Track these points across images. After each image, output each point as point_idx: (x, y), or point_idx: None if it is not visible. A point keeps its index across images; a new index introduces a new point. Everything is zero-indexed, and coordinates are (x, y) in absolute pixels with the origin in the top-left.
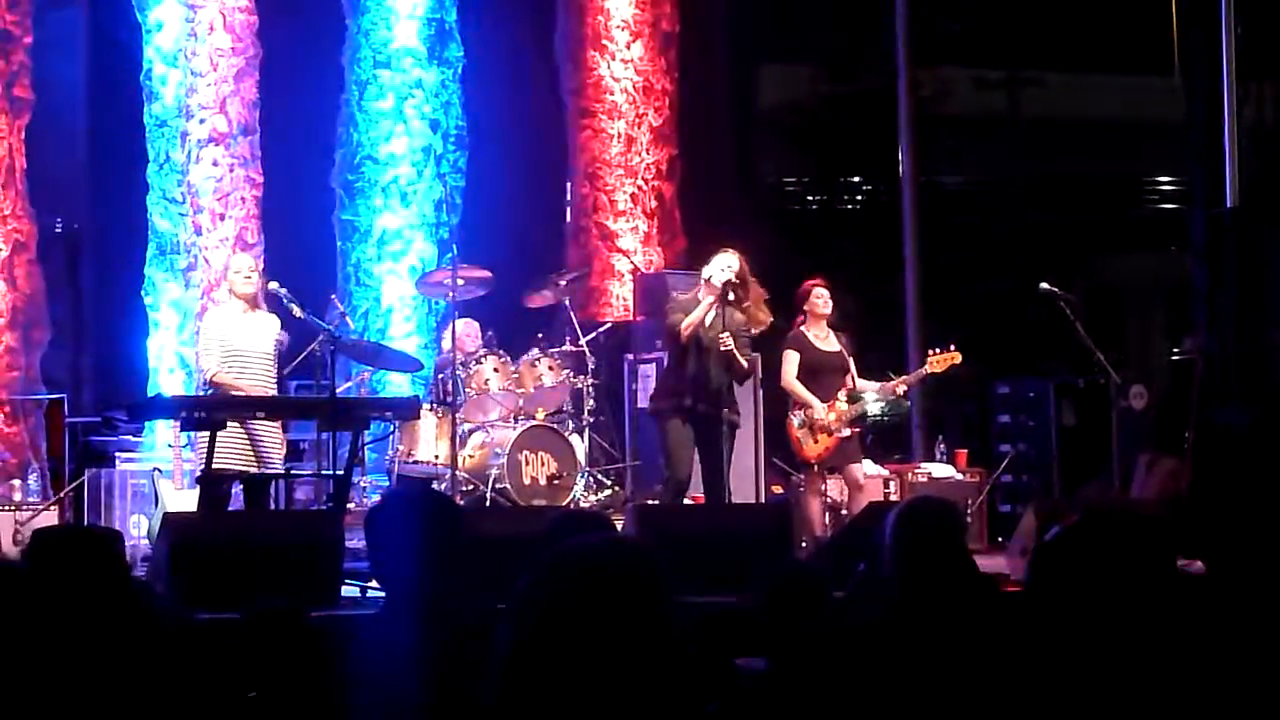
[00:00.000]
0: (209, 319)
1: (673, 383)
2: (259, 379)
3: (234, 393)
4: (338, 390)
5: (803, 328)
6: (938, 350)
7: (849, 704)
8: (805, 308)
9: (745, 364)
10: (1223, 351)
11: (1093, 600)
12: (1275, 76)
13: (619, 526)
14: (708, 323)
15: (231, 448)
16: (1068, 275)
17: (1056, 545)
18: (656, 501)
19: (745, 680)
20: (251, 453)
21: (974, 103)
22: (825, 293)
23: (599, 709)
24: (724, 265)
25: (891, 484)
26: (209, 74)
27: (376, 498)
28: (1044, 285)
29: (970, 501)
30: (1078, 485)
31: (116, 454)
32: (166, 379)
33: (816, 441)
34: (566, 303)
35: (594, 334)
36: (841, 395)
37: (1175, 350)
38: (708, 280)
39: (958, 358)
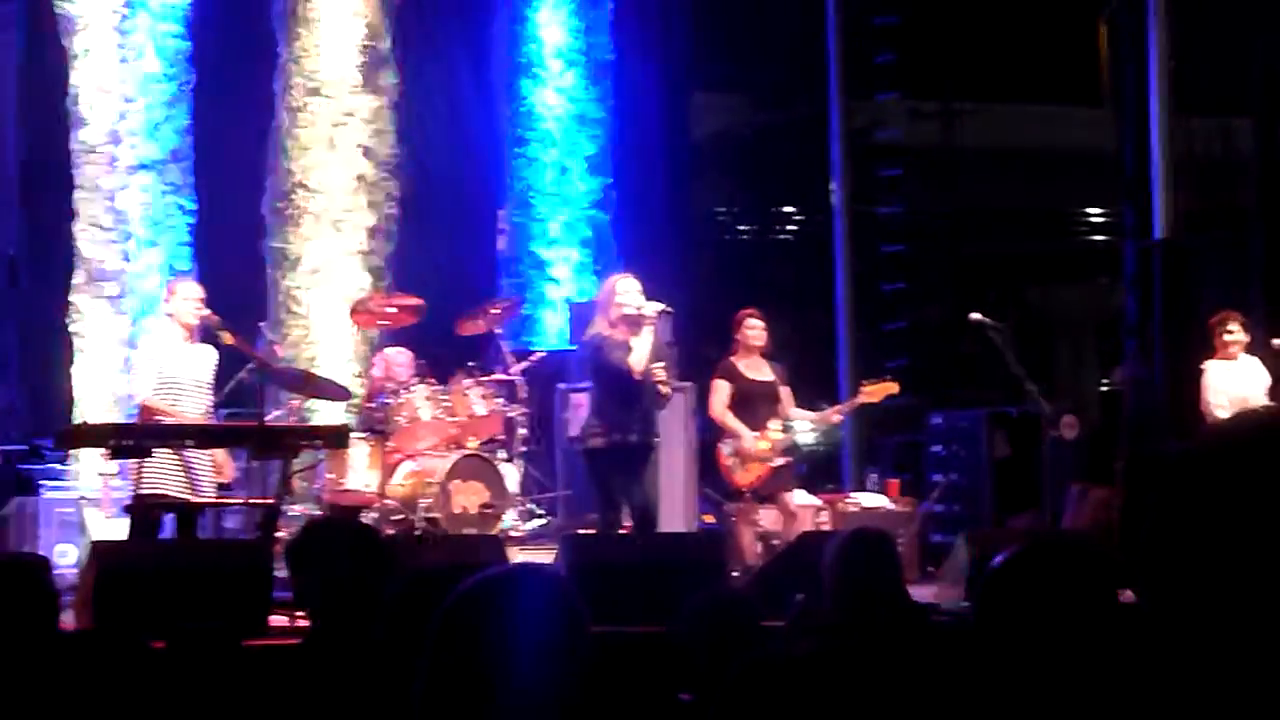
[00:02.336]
0: (146, 345)
1: (610, 419)
2: (192, 407)
3: (163, 419)
4: (267, 418)
5: (733, 358)
6: (873, 380)
7: None
8: (737, 337)
9: (669, 390)
10: (1152, 382)
11: (1038, 628)
12: (1205, 109)
13: (552, 558)
14: None
15: (163, 474)
16: (1000, 305)
17: (1003, 573)
18: (590, 531)
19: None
20: (184, 479)
21: (907, 133)
22: (758, 324)
23: None
24: (633, 290)
25: (824, 513)
26: (140, 100)
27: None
28: (975, 316)
29: (902, 531)
30: (1010, 515)
31: (42, 482)
32: (95, 406)
33: (748, 470)
34: (499, 331)
35: (527, 363)
36: (774, 424)
37: (1105, 380)
38: (638, 310)
39: (894, 387)
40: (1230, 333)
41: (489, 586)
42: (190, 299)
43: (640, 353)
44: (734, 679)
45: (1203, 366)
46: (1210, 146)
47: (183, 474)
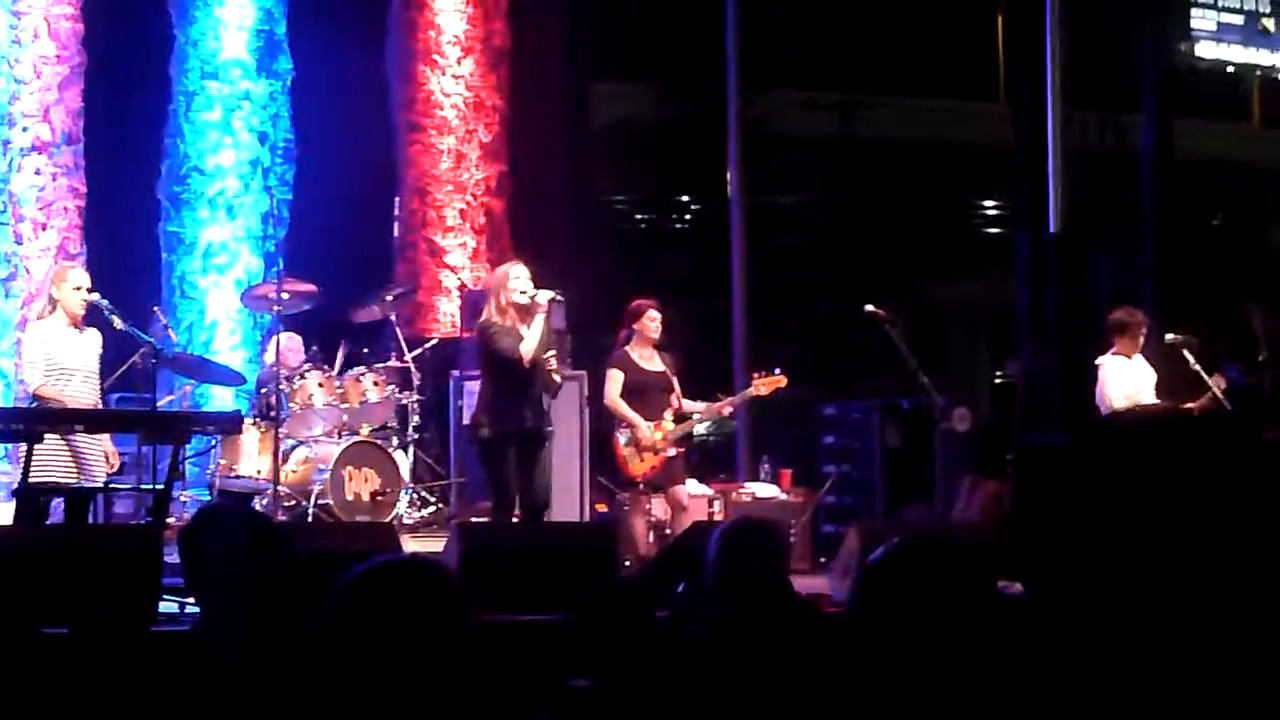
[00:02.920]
0: (32, 332)
1: (501, 408)
2: (84, 394)
3: (55, 406)
4: (159, 403)
5: (627, 347)
6: (763, 373)
7: None
8: (635, 327)
9: (560, 379)
10: (1044, 374)
11: (915, 623)
12: (1099, 103)
13: (443, 545)
14: None
15: (52, 460)
16: (894, 297)
17: (880, 568)
18: (482, 519)
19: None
20: (73, 465)
21: (805, 125)
22: (657, 314)
23: None
24: (524, 278)
25: (716, 503)
26: (32, 81)
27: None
28: (869, 308)
29: (794, 522)
30: (901, 506)
31: None
32: None
33: (642, 460)
34: (393, 318)
35: (420, 350)
36: (667, 415)
37: (998, 372)
38: (531, 298)
39: (783, 381)
40: (1140, 331)
41: (371, 578)
42: (81, 286)
43: (531, 341)
44: (620, 667)
45: (1098, 362)
46: (1104, 140)
47: (72, 460)
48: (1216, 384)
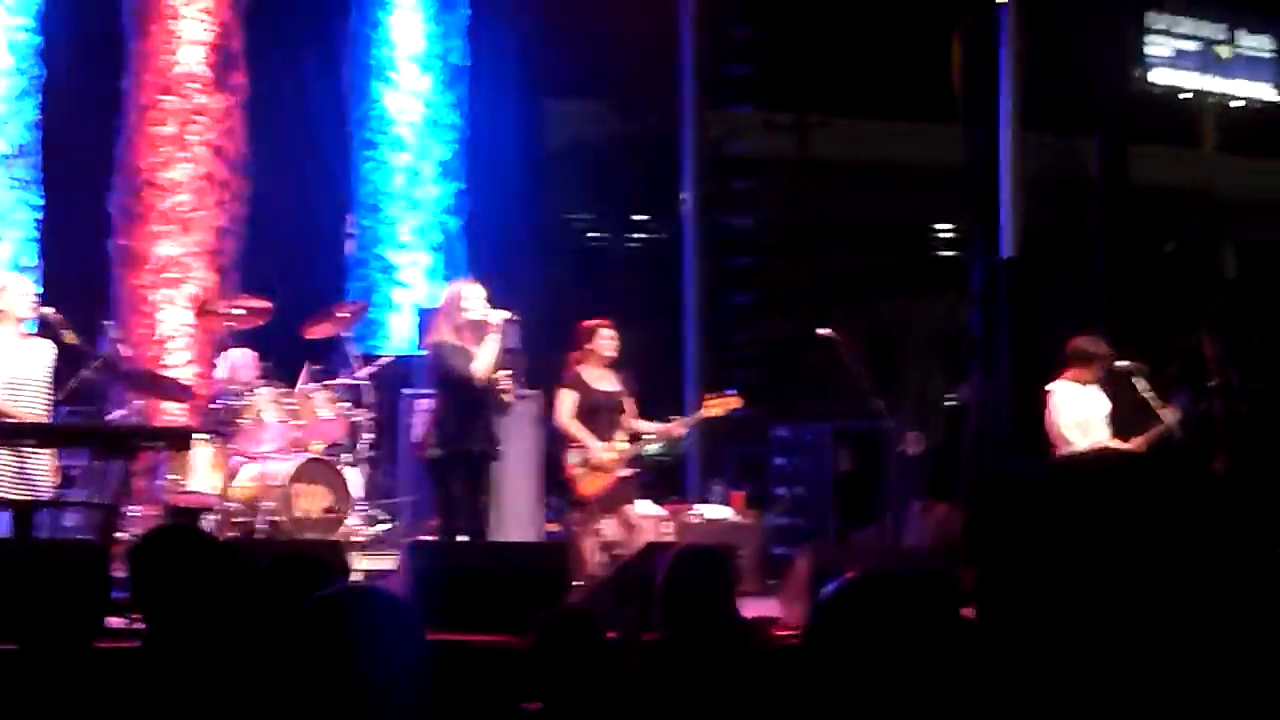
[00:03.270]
0: None
1: (451, 428)
2: (33, 406)
3: (4, 419)
4: (109, 418)
5: (579, 367)
6: (717, 393)
7: None
8: (589, 347)
9: (513, 399)
10: (996, 400)
11: (869, 658)
12: (1054, 127)
13: (394, 564)
14: None
15: None
16: (847, 319)
17: (833, 603)
18: (432, 538)
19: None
20: (20, 479)
21: (761, 145)
22: (612, 334)
23: None
24: (480, 298)
25: (667, 524)
26: None
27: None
28: (823, 330)
29: (745, 544)
30: (852, 530)
31: None
32: None
33: (594, 480)
34: (346, 335)
35: (373, 367)
36: (620, 435)
37: (951, 395)
38: (484, 318)
39: (736, 402)
40: (1103, 363)
41: (328, 605)
42: (25, 293)
43: (483, 361)
44: (568, 689)
45: (1050, 388)
46: (1058, 165)
47: (19, 473)
48: (1170, 415)
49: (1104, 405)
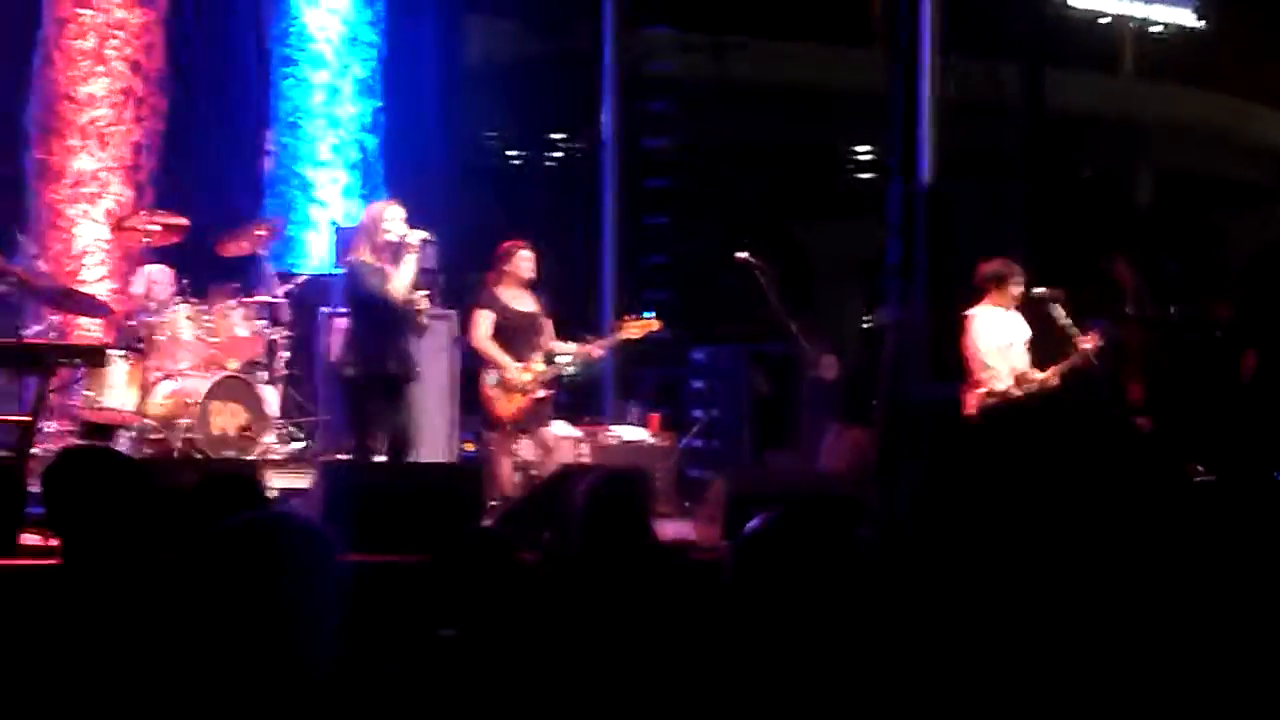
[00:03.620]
0: None
1: (367, 348)
2: None
3: None
4: (26, 334)
5: (496, 287)
6: (634, 315)
7: (525, 673)
8: (506, 268)
9: (427, 320)
10: (913, 325)
11: (792, 590)
12: (975, 51)
13: (308, 482)
14: None
15: None
16: (766, 242)
17: (756, 539)
18: (347, 457)
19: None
20: None
21: (678, 66)
22: (530, 255)
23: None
24: (398, 219)
25: (583, 445)
26: None
27: (62, 443)
28: (741, 254)
29: (661, 465)
30: (768, 453)
31: None
32: None
33: (510, 401)
34: (263, 253)
35: (290, 285)
36: (537, 356)
37: (867, 318)
38: (402, 239)
39: (655, 325)
40: (1017, 284)
41: (247, 528)
42: None
43: (400, 281)
44: (490, 612)
45: (969, 313)
46: (977, 91)
47: None
48: (1088, 342)
49: (1024, 331)
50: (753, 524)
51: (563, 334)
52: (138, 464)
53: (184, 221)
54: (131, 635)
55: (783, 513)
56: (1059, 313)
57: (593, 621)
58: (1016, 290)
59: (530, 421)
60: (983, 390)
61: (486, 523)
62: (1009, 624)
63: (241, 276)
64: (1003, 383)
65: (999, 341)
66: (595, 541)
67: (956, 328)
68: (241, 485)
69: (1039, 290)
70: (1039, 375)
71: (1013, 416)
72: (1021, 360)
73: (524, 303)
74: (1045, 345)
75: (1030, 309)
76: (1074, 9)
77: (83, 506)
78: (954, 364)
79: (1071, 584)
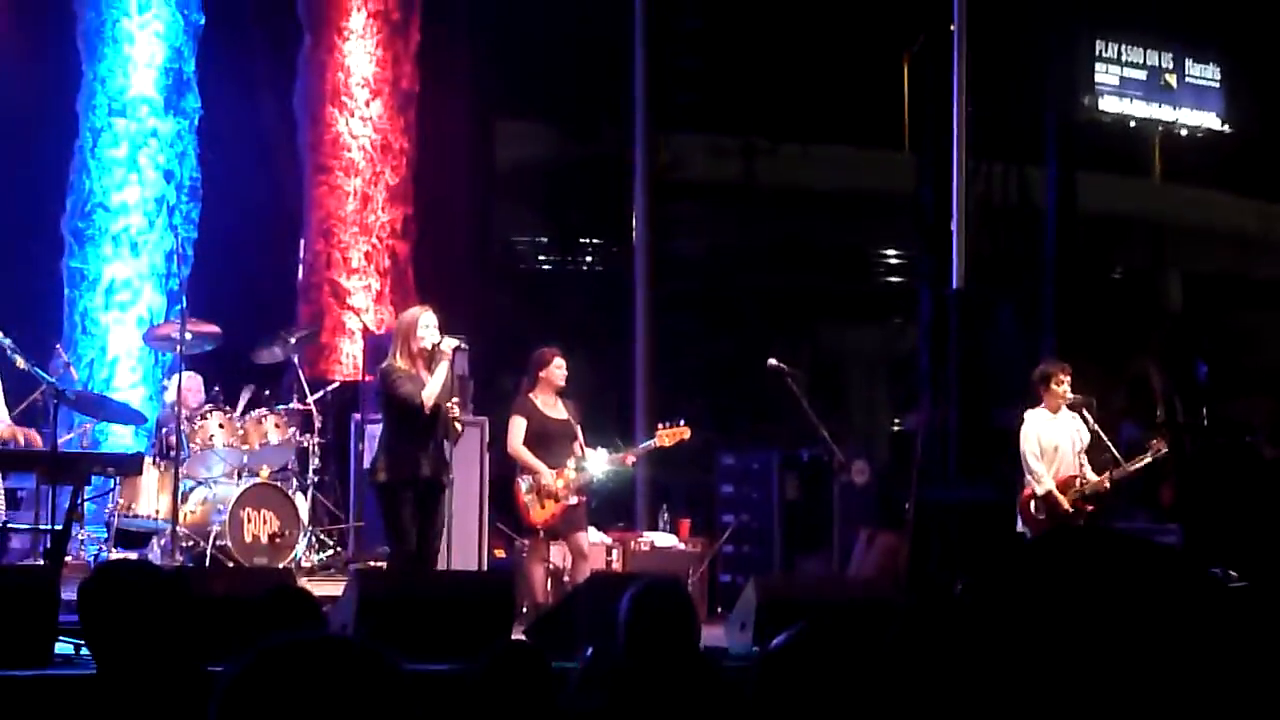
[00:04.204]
0: None
1: (400, 453)
2: None
3: None
4: (59, 441)
5: (530, 394)
6: (667, 424)
7: None
8: (541, 375)
9: (461, 426)
10: (944, 429)
11: (817, 703)
12: (1003, 156)
13: (341, 589)
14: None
15: None
16: (795, 345)
17: (784, 653)
18: (380, 564)
19: None
20: None
21: (709, 170)
22: (563, 362)
23: None
24: (432, 325)
25: (614, 552)
26: None
27: (94, 550)
28: (772, 361)
29: (692, 571)
30: (799, 558)
31: None
32: None
33: (544, 508)
34: (295, 360)
35: (322, 392)
36: (570, 463)
37: (897, 421)
38: (435, 346)
39: (686, 433)
40: (1062, 384)
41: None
42: None
43: (433, 388)
44: None
45: (1023, 416)
46: (1007, 194)
47: None
48: (1155, 448)
49: (1074, 434)
50: (778, 639)
51: (595, 439)
52: (174, 575)
53: (216, 329)
54: None
55: (808, 626)
56: (1089, 418)
57: None
58: (1062, 390)
59: (563, 528)
60: (1026, 493)
61: (518, 630)
62: None
63: (273, 384)
64: (1043, 487)
65: (1044, 444)
66: (642, 649)
67: (995, 432)
68: (298, 600)
69: (1071, 397)
70: (1092, 479)
71: (1056, 542)
72: (1069, 464)
73: (557, 409)
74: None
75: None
76: (1104, 113)
77: (121, 621)
78: (993, 467)
79: (1112, 705)
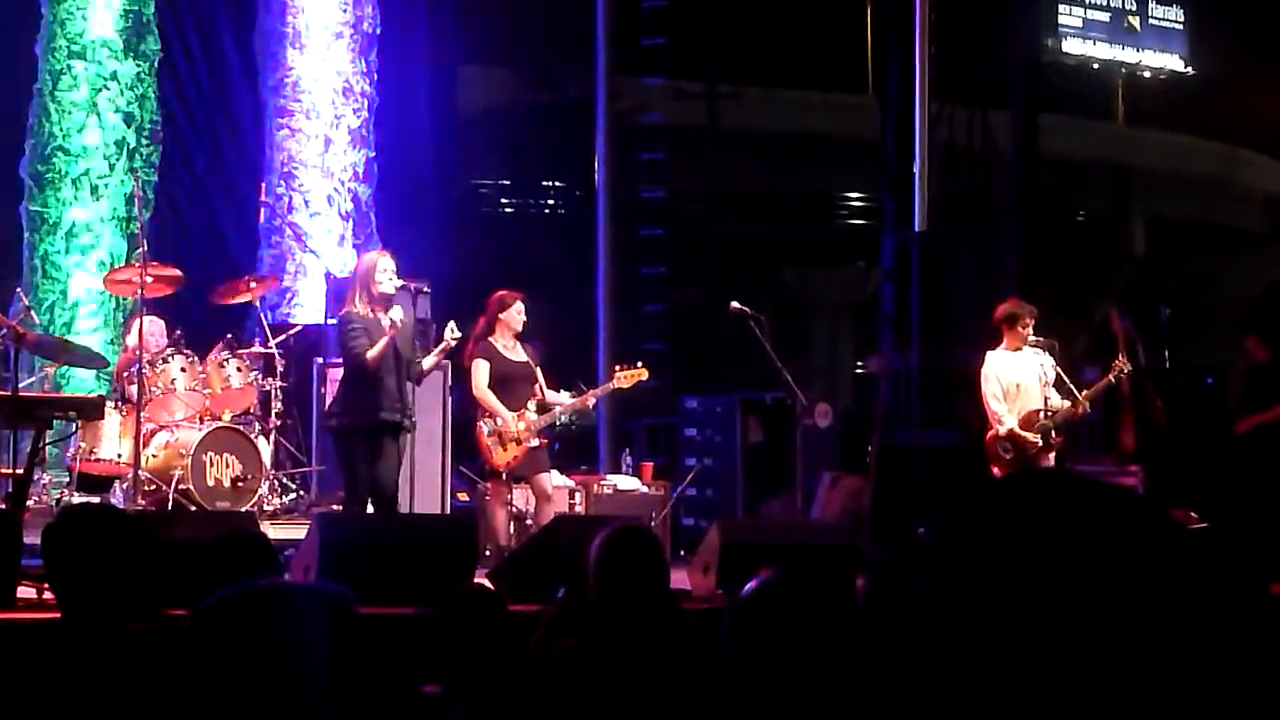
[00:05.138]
0: None
1: (355, 400)
2: None
3: None
4: (20, 385)
5: (491, 338)
6: (625, 365)
7: None
8: (501, 317)
9: (424, 366)
10: (906, 373)
11: (789, 651)
12: (967, 99)
13: (304, 533)
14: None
15: None
16: (758, 289)
17: (753, 602)
18: (340, 508)
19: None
20: None
21: (672, 114)
22: (522, 306)
23: None
24: (390, 269)
25: (577, 495)
26: None
27: (56, 495)
28: (734, 304)
29: (655, 514)
30: (762, 501)
31: None
32: None
33: (505, 450)
34: (257, 304)
35: (284, 336)
36: (531, 405)
37: (860, 363)
38: (393, 290)
39: (644, 374)
40: (1028, 325)
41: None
42: None
43: (380, 348)
44: (493, 677)
45: (983, 356)
46: (970, 138)
47: None
48: (1118, 366)
49: (1037, 369)
50: (747, 587)
51: (557, 383)
52: (137, 519)
53: (177, 273)
54: (132, 691)
55: (777, 575)
56: (1052, 361)
57: (609, 674)
58: (1027, 331)
59: (526, 470)
60: (989, 434)
61: (481, 574)
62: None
63: (236, 328)
64: (1005, 426)
65: (1006, 384)
66: (612, 595)
67: (957, 376)
68: (253, 544)
69: (1033, 339)
70: (1064, 404)
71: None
72: (1035, 400)
73: (517, 352)
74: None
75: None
76: (1067, 55)
77: (84, 564)
78: (955, 412)
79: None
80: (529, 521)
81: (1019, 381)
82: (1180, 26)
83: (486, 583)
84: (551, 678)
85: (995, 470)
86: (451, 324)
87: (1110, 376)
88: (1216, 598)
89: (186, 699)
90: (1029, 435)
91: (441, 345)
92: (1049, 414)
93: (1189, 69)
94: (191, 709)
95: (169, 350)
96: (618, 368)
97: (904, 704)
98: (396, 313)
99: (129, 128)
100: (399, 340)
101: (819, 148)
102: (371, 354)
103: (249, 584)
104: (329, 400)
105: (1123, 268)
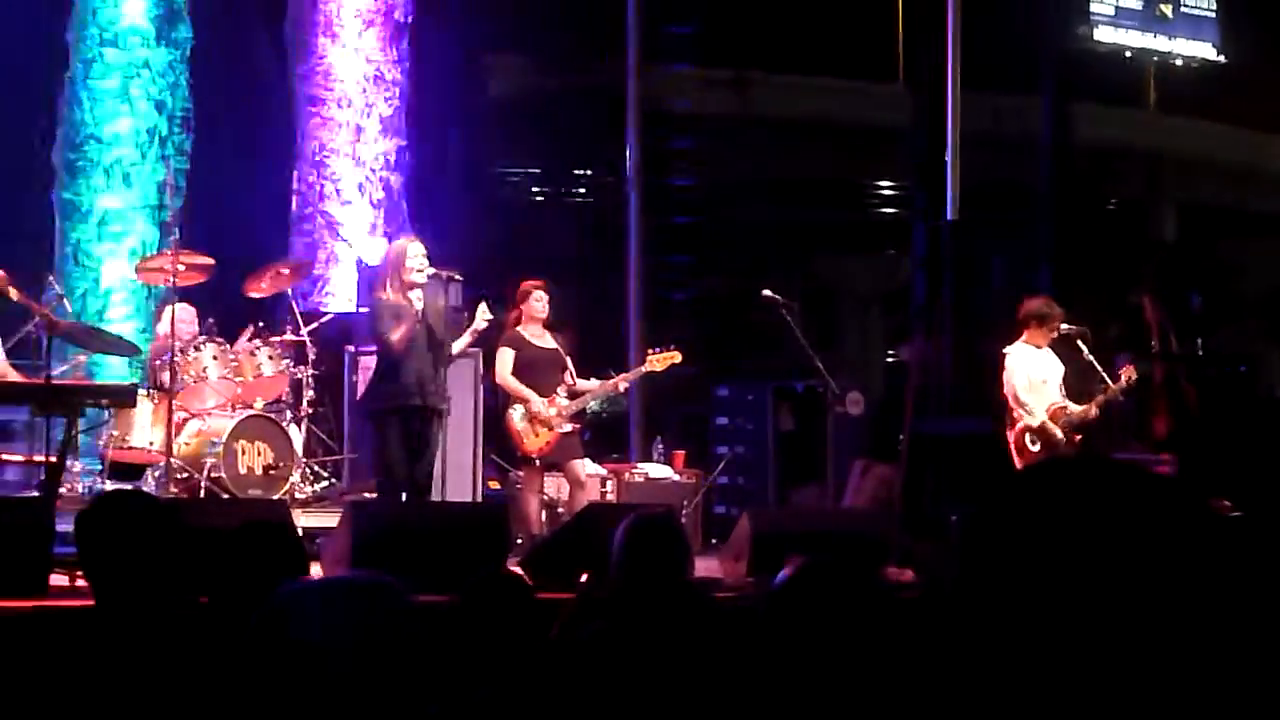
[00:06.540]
0: None
1: (387, 383)
2: None
3: None
4: (53, 373)
5: (518, 327)
6: (658, 349)
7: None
8: (523, 307)
9: (455, 349)
10: (938, 361)
11: (823, 641)
12: (997, 87)
13: (335, 521)
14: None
15: None
16: (789, 277)
17: (785, 591)
18: (372, 495)
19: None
20: None
21: (701, 102)
22: (544, 296)
23: None
24: (420, 255)
25: (609, 483)
26: None
27: (88, 483)
28: (766, 292)
29: (686, 502)
30: (793, 489)
31: None
32: None
33: (538, 435)
34: (289, 292)
35: (316, 324)
36: (561, 390)
37: (891, 352)
38: (424, 278)
39: (677, 357)
40: (1055, 325)
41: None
42: None
43: (407, 330)
44: (526, 664)
45: (1006, 351)
46: (1002, 125)
47: None
48: (1126, 373)
49: (1058, 368)
50: (780, 577)
51: (588, 370)
52: (171, 506)
53: (209, 260)
54: (167, 679)
55: (809, 565)
56: (1085, 349)
57: (630, 661)
58: (1053, 330)
59: (558, 456)
60: (1019, 426)
61: (513, 562)
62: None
63: (267, 315)
64: (1036, 419)
65: (1033, 378)
66: (634, 582)
67: (990, 364)
68: (273, 533)
69: (1066, 327)
70: (1077, 409)
71: (1053, 471)
72: (1056, 396)
73: (545, 340)
74: (1072, 381)
75: (1061, 344)
76: (1099, 43)
77: (118, 550)
78: (988, 400)
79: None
80: (561, 510)
81: (1045, 377)
82: (1212, 15)
83: (518, 570)
84: (573, 664)
85: (1019, 463)
86: (483, 305)
87: (1119, 386)
88: (1252, 585)
89: (246, 692)
90: (1057, 429)
91: (473, 326)
92: (1069, 413)
93: (1221, 57)
94: (249, 702)
95: (201, 338)
96: (650, 351)
97: (936, 691)
98: (416, 294)
99: (161, 115)
100: (434, 324)
101: (850, 136)
102: (396, 336)
103: (340, 579)
104: (360, 388)
105: (1154, 255)
